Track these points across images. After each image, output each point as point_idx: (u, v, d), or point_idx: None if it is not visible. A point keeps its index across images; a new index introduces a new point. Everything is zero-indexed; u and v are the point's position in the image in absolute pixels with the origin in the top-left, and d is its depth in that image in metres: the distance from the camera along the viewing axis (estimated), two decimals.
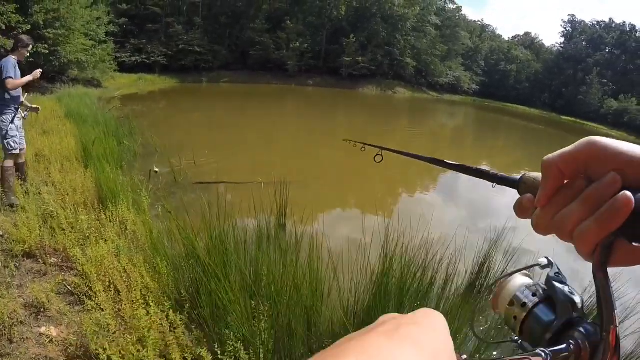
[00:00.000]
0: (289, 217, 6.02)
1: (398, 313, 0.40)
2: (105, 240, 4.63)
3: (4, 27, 16.79)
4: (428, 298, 3.98)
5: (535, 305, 0.48)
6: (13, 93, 5.60)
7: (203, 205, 4.45)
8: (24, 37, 5.78)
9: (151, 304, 3.34)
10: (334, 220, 7.59)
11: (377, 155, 1.33)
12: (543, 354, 0.42)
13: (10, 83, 5.40)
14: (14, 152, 5.77)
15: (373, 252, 4.02)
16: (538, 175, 0.52)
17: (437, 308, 3.75)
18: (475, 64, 67.68)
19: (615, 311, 0.40)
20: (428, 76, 57.70)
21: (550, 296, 0.48)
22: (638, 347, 3.82)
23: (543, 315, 0.47)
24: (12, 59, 5.50)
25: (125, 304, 3.46)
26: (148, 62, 33.96)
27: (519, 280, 0.52)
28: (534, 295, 0.49)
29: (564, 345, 0.42)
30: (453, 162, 0.76)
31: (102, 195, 6.05)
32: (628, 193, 0.40)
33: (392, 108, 37.09)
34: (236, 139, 14.20)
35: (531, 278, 0.52)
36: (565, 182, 0.48)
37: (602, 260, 0.42)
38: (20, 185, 6.04)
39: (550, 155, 0.48)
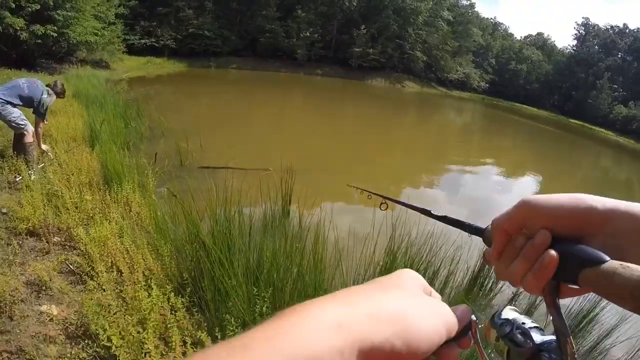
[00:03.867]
0: (293, 204, 5.99)
1: None
2: (109, 221, 4.62)
3: (13, 6, 16.67)
4: None
5: (509, 346, 0.52)
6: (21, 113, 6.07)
7: (209, 190, 4.43)
8: (60, 87, 6.56)
9: (153, 286, 3.32)
10: (339, 210, 7.56)
11: (382, 203, 1.37)
12: None
13: (39, 125, 6.27)
14: (27, 127, 6.09)
15: (378, 245, 4.00)
16: None
17: None
18: (486, 62, 67.27)
19: (570, 338, 0.46)
20: (438, 71, 57.40)
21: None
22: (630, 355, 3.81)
23: (517, 353, 0.51)
24: (48, 100, 6.23)
25: (127, 285, 3.45)
26: (157, 45, 33.85)
27: (494, 326, 0.56)
28: (506, 336, 0.53)
29: None
30: (437, 214, 0.82)
31: (108, 176, 6.04)
32: (552, 252, 0.48)
33: (400, 101, 36.95)
34: (243, 125, 14.16)
35: (517, 311, 0.56)
36: (512, 237, 0.55)
37: (551, 298, 0.50)
38: (26, 164, 6.06)
39: (497, 217, 0.56)
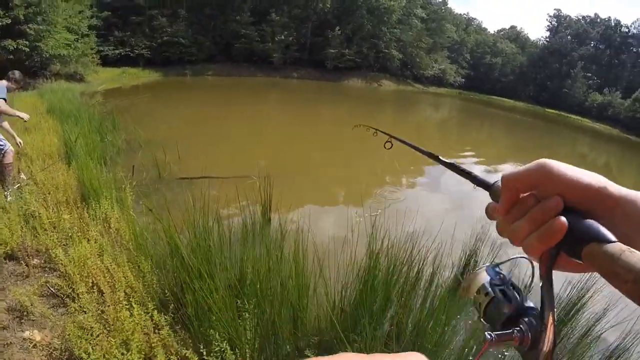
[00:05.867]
0: (273, 212, 5.98)
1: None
2: (88, 240, 4.56)
3: None
4: (415, 292, 4.00)
5: (495, 295, 0.57)
6: None
7: (187, 202, 4.41)
8: (17, 75, 6.45)
9: (135, 305, 3.30)
10: (319, 215, 7.58)
11: (387, 142, 1.43)
12: (489, 336, 0.50)
13: (2, 105, 5.96)
14: (6, 148, 6.09)
15: (359, 248, 4.01)
16: None
17: (424, 302, 3.78)
18: (461, 57, 67.91)
19: (554, 310, 0.47)
20: (414, 68, 57.78)
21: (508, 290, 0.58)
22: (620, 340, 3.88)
23: (500, 304, 0.56)
24: (4, 83, 6.14)
25: (108, 306, 3.42)
26: (132, 55, 33.50)
27: (489, 273, 0.61)
28: (496, 286, 0.58)
29: (509, 330, 0.50)
30: (447, 160, 0.84)
31: (85, 193, 5.96)
32: (563, 218, 0.49)
33: (376, 99, 37.10)
34: (221, 133, 14.11)
35: (501, 272, 0.61)
36: (521, 196, 0.55)
37: (547, 265, 0.50)
38: (1, 185, 5.98)
39: (508, 172, 0.56)
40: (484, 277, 0.61)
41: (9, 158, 6.13)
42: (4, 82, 6.22)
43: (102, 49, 29.98)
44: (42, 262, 4.54)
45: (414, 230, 4.63)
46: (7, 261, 4.47)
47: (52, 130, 9.51)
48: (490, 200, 0.62)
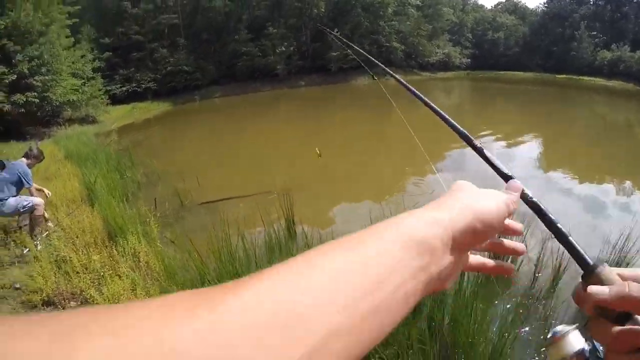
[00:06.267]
0: (297, 225, 5.95)
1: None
2: (120, 276, 4.66)
3: None
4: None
5: None
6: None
7: (209, 227, 4.45)
8: (36, 151, 6.76)
9: None
10: (344, 222, 7.53)
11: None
12: None
13: (32, 190, 6.37)
14: (33, 203, 6.28)
15: None
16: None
17: (458, 292, 3.74)
18: (463, 38, 67.17)
19: None
20: (418, 57, 57.32)
21: None
22: None
23: None
24: (24, 162, 6.47)
25: None
26: (139, 90, 33.98)
27: (575, 342, 0.60)
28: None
29: None
30: (477, 145, 0.71)
31: (111, 231, 6.08)
32: None
33: (385, 95, 36.64)
34: (235, 153, 14.15)
35: (584, 338, 0.59)
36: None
37: None
38: (30, 236, 6.15)
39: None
40: (572, 346, 0.59)
41: (40, 211, 6.33)
42: (24, 161, 6.49)
43: (110, 88, 30.42)
44: (79, 303, 4.63)
45: None
46: (45, 307, 4.59)
47: (72, 175, 9.71)
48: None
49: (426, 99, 0.91)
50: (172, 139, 18.18)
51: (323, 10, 48.34)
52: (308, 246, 4.52)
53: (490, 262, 0.57)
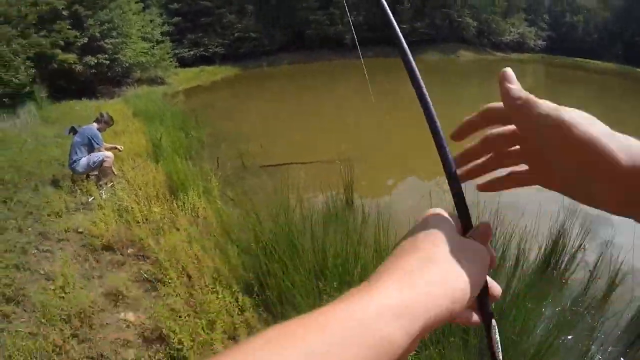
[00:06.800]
0: (355, 195, 5.79)
1: None
2: (178, 229, 4.71)
3: (63, 44, 17.39)
4: (498, 277, 3.72)
5: None
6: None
7: (268, 190, 4.40)
8: (106, 116, 7.09)
9: (220, 288, 3.44)
10: (401, 195, 7.32)
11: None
12: None
13: (102, 150, 6.71)
14: (103, 156, 6.66)
15: None
16: None
17: (507, 288, 3.52)
18: (539, 18, 63.79)
19: None
20: (491, 35, 54.92)
21: None
22: None
23: None
24: (95, 127, 6.84)
25: (196, 289, 3.49)
26: (207, 54, 34.43)
27: None
28: None
29: None
30: None
31: (173, 186, 6.22)
32: None
33: (456, 72, 35.51)
34: (301, 119, 13.99)
35: None
36: None
37: None
38: (96, 185, 6.45)
39: None
40: None
41: (109, 163, 6.71)
42: (95, 125, 6.87)
43: (178, 51, 31.01)
44: (136, 251, 4.82)
45: (498, 206, 4.33)
46: (104, 251, 4.79)
47: (139, 131, 9.96)
48: None
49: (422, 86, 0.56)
50: (238, 103, 18.23)
51: None
52: (364, 220, 4.38)
53: None
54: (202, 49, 34.74)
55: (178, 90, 21.69)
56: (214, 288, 3.43)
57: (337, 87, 22.79)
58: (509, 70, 0.49)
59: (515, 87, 0.47)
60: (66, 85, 17.85)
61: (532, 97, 0.46)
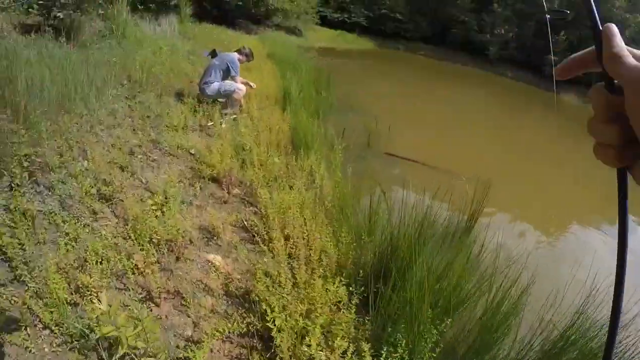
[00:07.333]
0: (479, 220, 4.99)
1: None
2: (291, 187, 4.42)
3: None
4: None
5: None
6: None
7: (388, 182, 3.94)
8: (248, 50, 7.17)
9: (329, 273, 3.08)
10: (538, 234, 6.54)
11: None
12: None
13: (236, 79, 6.77)
14: (235, 87, 6.68)
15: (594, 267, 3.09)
16: None
17: None
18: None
19: None
20: None
21: None
22: None
23: None
24: (236, 56, 6.89)
25: (300, 265, 3.10)
26: (349, 21, 34.38)
27: None
28: None
29: None
30: None
31: (296, 142, 6.00)
32: None
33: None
34: (427, 117, 13.05)
35: None
36: None
37: None
38: (220, 113, 6.35)
39: None
40: None
41: (239, 95, 6.69)
42: (236, 55, 6.89)
43: (322, 10, 31.14)
44: (242, 193, 4.60)
45: None
46: (210, 182, 4.60)
47: (271, 74, 9.84)
48: None
49: None
50: (371, 78, 17.64)
51: (556, 6, 43.76)
52: (482, 249, 3.82)
53: None
54: (345, 15, 34.72)
55: (312, 46, 21.57)
56: (323, 272, 3.04)
57: (469, 96, 21.22)
58: (610, 26, 0.48)
59: (611, 42, 0.46)
60: (209, 9, 18.43)
61: (620, 52, 0.45)
